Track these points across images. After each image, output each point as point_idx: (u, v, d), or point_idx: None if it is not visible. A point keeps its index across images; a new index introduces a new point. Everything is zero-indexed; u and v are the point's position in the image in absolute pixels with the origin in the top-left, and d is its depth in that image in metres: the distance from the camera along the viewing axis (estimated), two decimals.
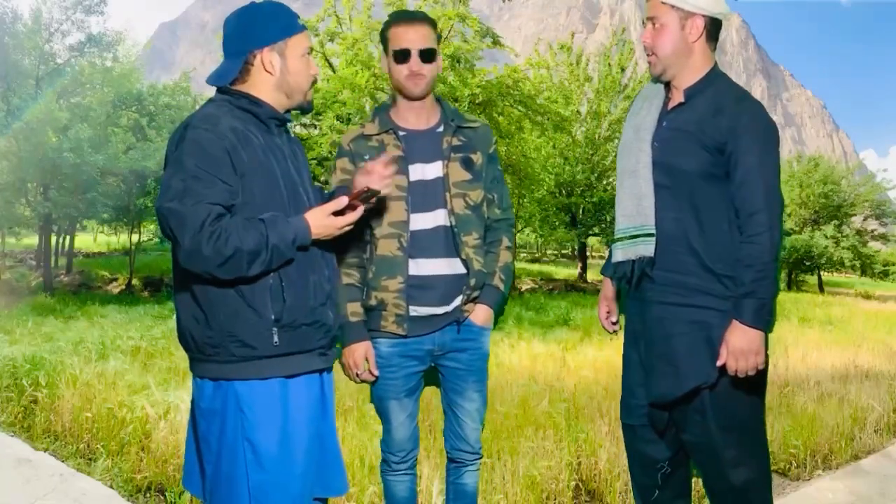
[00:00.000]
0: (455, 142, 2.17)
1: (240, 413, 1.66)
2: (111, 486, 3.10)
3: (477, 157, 2.20)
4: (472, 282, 2.14)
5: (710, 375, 1.91)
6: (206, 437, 1.71)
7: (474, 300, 2.18)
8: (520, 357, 6.48)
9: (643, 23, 2.03)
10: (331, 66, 15.86)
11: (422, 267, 2.11)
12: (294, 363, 1.72)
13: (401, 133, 2.15)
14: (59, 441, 3.78)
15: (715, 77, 2.00)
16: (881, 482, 3.38)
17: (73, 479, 3.10)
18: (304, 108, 1.85)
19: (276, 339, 1.66)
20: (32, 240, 27.57)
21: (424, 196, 2.12)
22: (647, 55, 2.03)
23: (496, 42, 16.20)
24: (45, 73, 18.77)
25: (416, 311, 2.12)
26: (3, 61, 17.60)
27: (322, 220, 1.71)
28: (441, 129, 2.19)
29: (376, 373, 2.14)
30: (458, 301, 2.15)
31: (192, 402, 1.77)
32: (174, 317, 1.77)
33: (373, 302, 2.13)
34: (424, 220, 2.12)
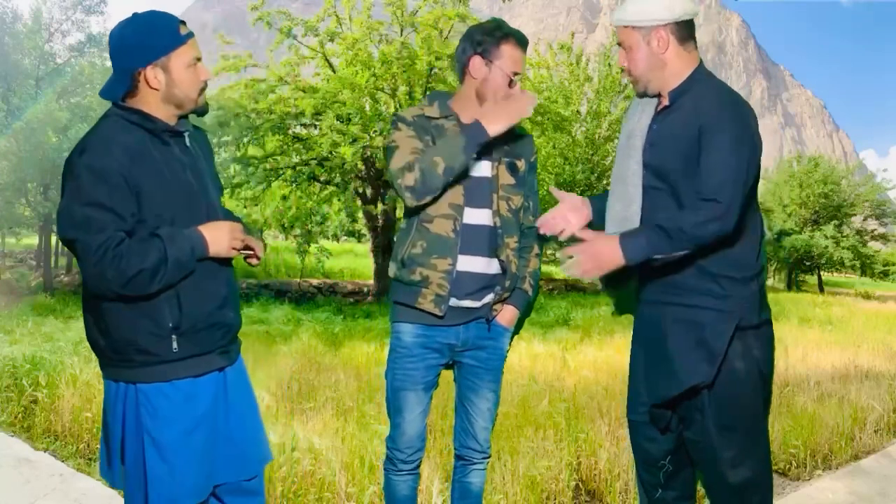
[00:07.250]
0: (504, 146, 2.19)
1: (141, 411, 1.75)
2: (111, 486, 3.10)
3: (521, 164, 2.23)
4: (508, 283, 2.17)
5: (707, 375, 1.91)
6: (113, 431, 1.82)
7: (503, 300, 2.21)
8: (520, 357, 6.47)
9: (618, 46, 2.06)
10: (331, 66, 15.84)
11: (461, 262, 2.12)
12: (196, 365, 1.80)
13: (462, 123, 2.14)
14: (59, 441, 3.78)
15: (699, 77, 2.00)
16: (881, 482, 3.38)
17: (73, 479, 3.10)
18: (199, 112, 1.88)
19: (175, 345, 1.75)
20: (32, 240, 27.57)
21: (474, 193, 2.14)
22: (627, 77, 2.06)
23: None
24: (45, 73, 18.77)
25: (451, 301, 2.13)
26: (3, 61, 17.61)
27: (218, 236, 1.78)
28: None
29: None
30: (488, 298, 2.17)
31: (103, 400, 1.88)
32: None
33: (416, 277, 2.11)
34: (470, 216, 2.14)
